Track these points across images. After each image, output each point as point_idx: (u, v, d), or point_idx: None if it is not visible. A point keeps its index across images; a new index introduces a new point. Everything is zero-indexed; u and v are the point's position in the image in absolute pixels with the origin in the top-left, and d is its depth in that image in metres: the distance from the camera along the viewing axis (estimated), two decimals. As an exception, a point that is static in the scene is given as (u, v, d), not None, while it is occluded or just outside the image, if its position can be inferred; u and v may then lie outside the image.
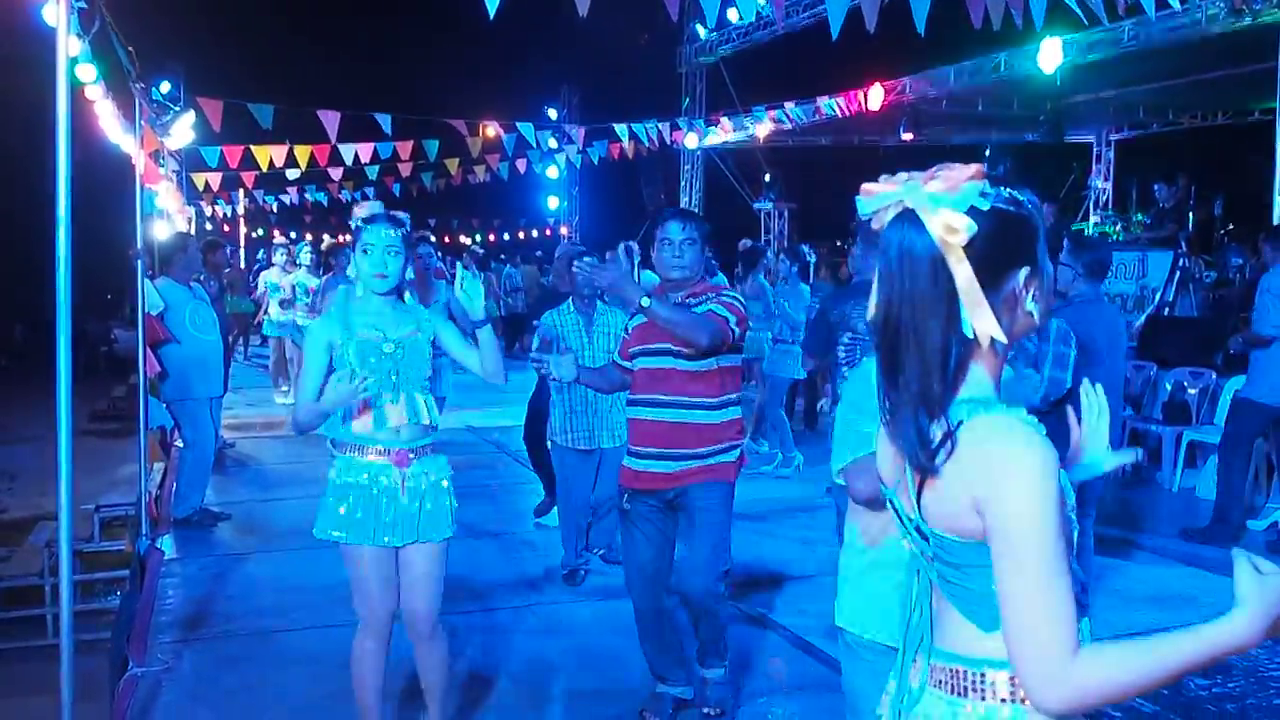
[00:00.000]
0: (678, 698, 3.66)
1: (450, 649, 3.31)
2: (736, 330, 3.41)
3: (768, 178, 15.86)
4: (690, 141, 15.30)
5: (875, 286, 1.39)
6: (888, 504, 1.51)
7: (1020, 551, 1.24)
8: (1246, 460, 6.05)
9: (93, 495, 6.44)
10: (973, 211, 1.30)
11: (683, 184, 16.85)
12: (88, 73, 4.36)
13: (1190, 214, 10.72)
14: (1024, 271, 1.34)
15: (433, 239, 6.71)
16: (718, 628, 3.62)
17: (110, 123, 5.32)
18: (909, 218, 1.33)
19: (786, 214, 15.67)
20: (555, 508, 6.33)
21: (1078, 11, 5.63)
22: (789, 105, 13.10)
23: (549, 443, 5.46)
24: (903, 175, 1.35)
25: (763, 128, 13.97)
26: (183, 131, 8.67)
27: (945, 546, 1.35)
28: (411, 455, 3.06)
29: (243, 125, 9.60)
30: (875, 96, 11.89)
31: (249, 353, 14.58)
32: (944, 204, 1.30)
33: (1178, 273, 9.35)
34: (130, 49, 4.92)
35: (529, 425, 6.36)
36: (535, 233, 26.50)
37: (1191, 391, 7.62)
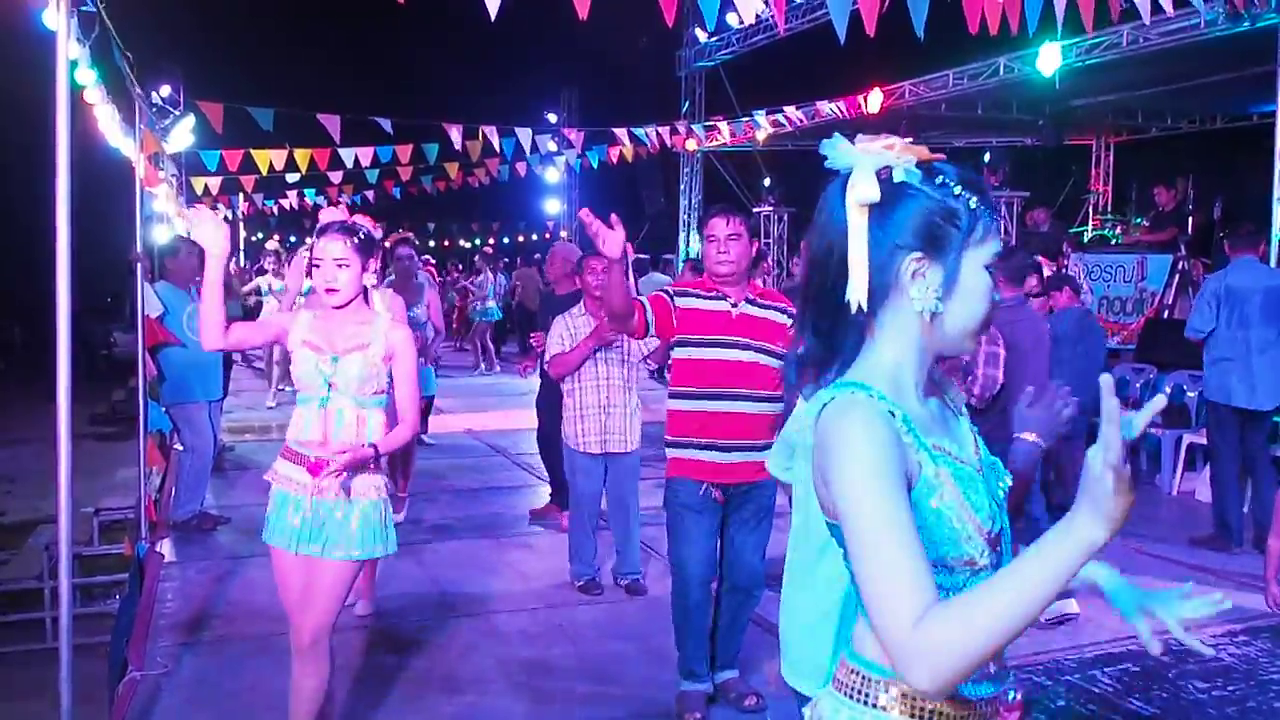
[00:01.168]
0: (707, 693, 3.71)
1: (329, 682, 3.12)
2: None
3: (767, 182, 15.86)
4: (690, 145, 15.31)
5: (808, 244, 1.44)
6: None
7: (850, 520, 1.21)
8: (1236, 462, 6.04)
9: (92, 499, 6.44)
10: (885, 180, 1.30)
11: (682, 188, 16.86)
12: (88, 76, 4.36)
13: (1189, 217, 10.73)
14: (913, 254, 1.32)
15: (414, 240, 6.69)
16: (743, 626, 3.73)
17: (110, 126, 5.33)
18: (841, 180, 1.35)
19: (786, 218, 15.67)
20: (558, 511, 6.34)
21: (1058, 19, 5.64)
22: (788, 109, 13.10)
23: (565, 446, 5.33)
24: (862, 138, 1.35)
25: (762, 132, 13.99)
26: (182, 135, 8.69)
27: (834, 531, 1.34)
28: (330, 466, 2.92)
29: (242, 129, 9.60)
30: (875, 100, 11.91)
31: (247, 355, 14.58)
32: (861, 165, 1.31)
33: (1177, 276, 9.37)
34: (129, 55, 4.93)
35: (540, 428, 6.41)
36: (535, 236, 26.52)
37: (1190, 395, 7.61)
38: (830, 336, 1.36)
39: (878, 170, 1.31)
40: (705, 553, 3.61)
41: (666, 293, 3.63)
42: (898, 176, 1.31)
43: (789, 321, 3.47)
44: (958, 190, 1.33)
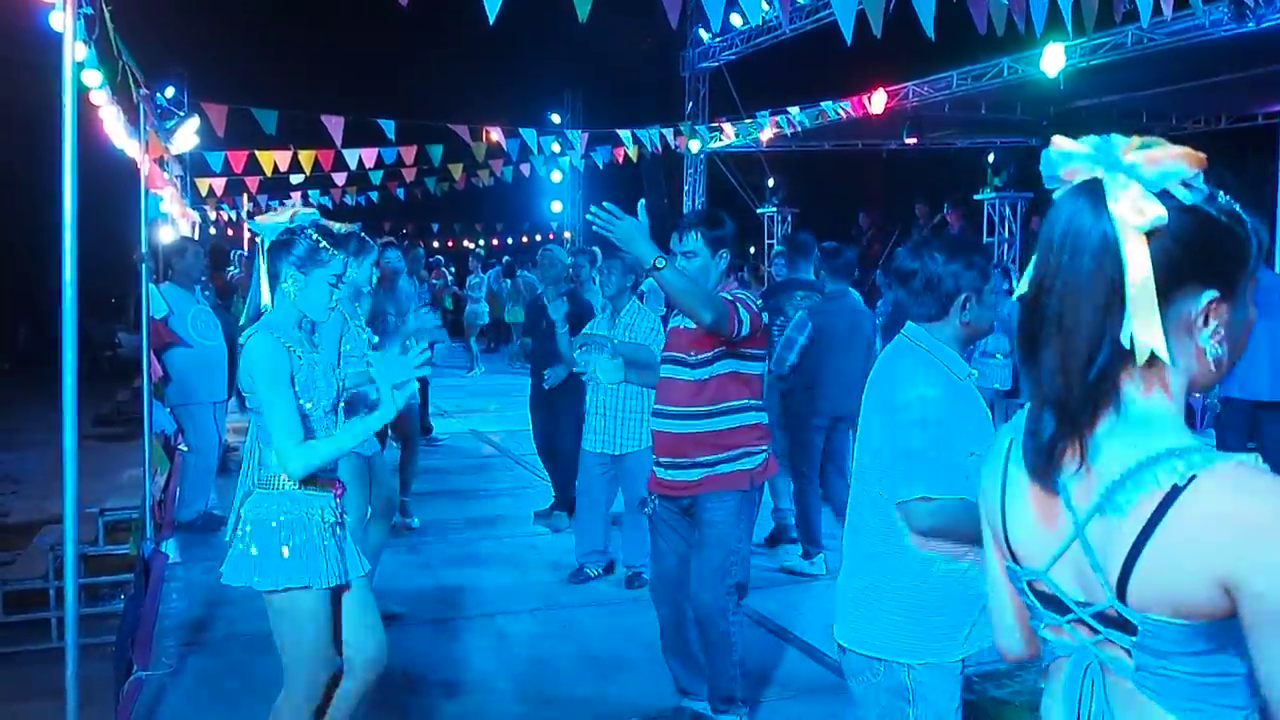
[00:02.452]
0: (700, 713, 3.58)
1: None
2: (744, 325, 3.22)
3: (771, 182, 15.85)
4: (693, 146, 15.31)
5: (1032, 262, 1.17)
6: (1017, 583, 1.25)
7: None
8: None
9: (97, 499, 6.44)
10: (1167, 199, 1.08)
11: (686, 189, 16.85)
12: (93, 78, 4.37)
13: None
14: (1210, 294, 1.10)
15: (394, 243, 6.66)
16: (728, 658, 3.41)
17: (115, 127, 5.34)
18: (1091, 188, 1.10)
19: (790, 218, 15.66)
20: (559, 512, 6.34)
21: (1066, 19, 5.63)
22: (792, 110, 13.10)
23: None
24: (1107, 138, 1.11)
25: (766, 132, 13.98)
26: (187, 137, 8.69)
27: (1156, 632, 1.09)
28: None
29: (247, 130, 9.61)
30: (878, 101, 11.90)
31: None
32: (1137, 178, 1.08)
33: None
34: (129, 61, 4.93)
35: (538, 432, 6.42)
36: (539, 237, 26.51)
37: (1195, 397, 7.61)
38: (1091, 390, 1.11)
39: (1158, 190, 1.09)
40: (662, 571, 3.57)
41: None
42: (1184, 197, 1.09)
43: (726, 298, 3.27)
44: (1240, 211, 1.12)
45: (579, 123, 17.48)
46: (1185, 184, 1.09)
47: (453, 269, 19.57)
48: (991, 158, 12.86)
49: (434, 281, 14.76)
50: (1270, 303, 6.04)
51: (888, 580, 2.27)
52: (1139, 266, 1.07)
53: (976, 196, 12.75)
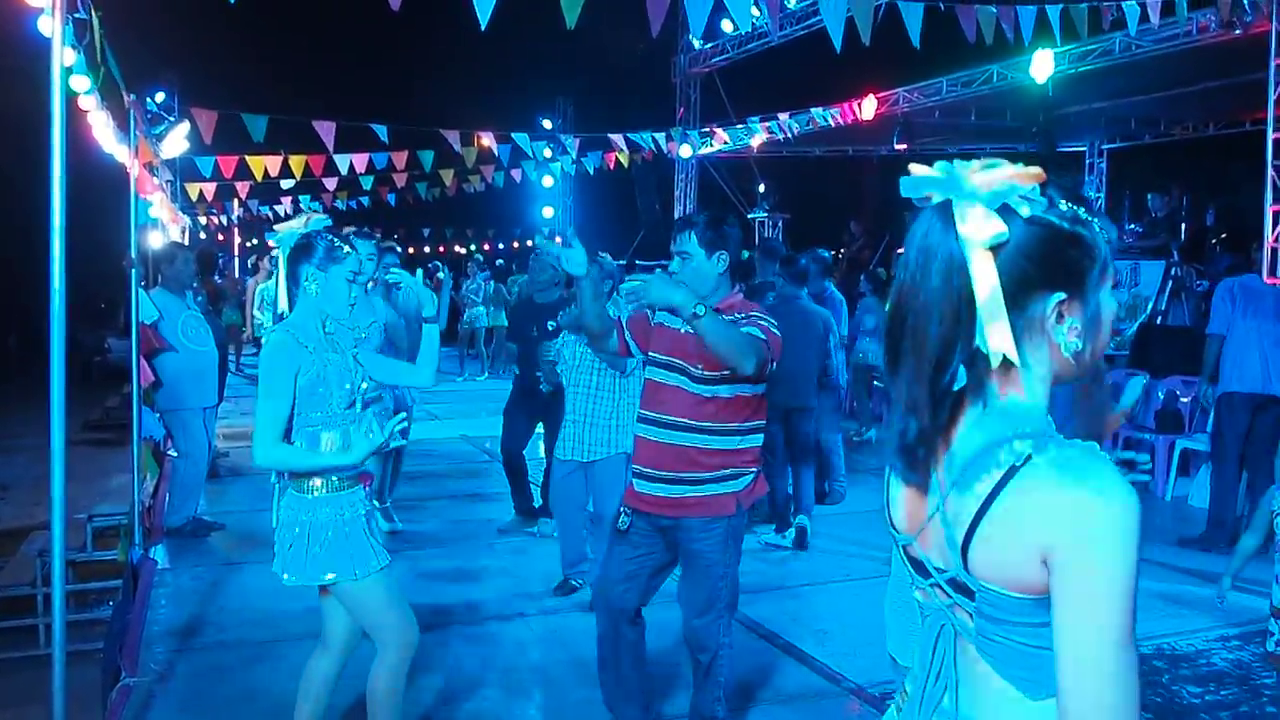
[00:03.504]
0: None
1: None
2: (774, 362, 3.13)
3: (762, 188, 15.88)
4: (684, 151, 15.34)
5: (894, 279, 1.28)
6: (897, 550, 1.37)
7: (1090, 637, 1.10)
8: (1238, 460, 6.16)
9: (85, 505, 6.42)
10: (1007, 214, 1.17)
11: (677, 194, 16.87)
12: (82, 83, 4.36)
13: (1182, 223, 10.76)
14: (1057, 296, 1.20)
15: (394, 248, 6.59)
16: (715, 680, 3.31)
17: (104, 133, 5.33)
18: (942, 209, 1.21)
19: (781, 224, 15.69)
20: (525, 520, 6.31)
21: (1056, 30, 5.68)
22: (783, 116, 13.13)
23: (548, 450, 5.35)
24: (951, 163, 1.21)
25: (757, 138, 14.01)
26: (176, 142, 8.68)
27: (992, 600, 1.19)
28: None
29: (238, 135, 9.61)
30: (869, 107, 11.94)
31: (240, 364, 14.56)
32: (978, 200, 1.17)
33: (1170, 282, 9.40)
34: (114, 64, 4.92)
35: (510, 436, 6.27)
36: (530, 242, 26.51)
37: (1184, 400, 7.64)
38: (942, 396, 1.20)
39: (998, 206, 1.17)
40: (607, 579, 3.37)
41: (651, 309, 3.33)
42: (1022, 210, 1.18)
43: (755, 334, 3.12)
44: (1084, 215, 1.21)
45: (570, 128, 17.49)
46: (1023, 198, 1.17)
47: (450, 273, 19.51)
48: (982, 163, 12.91)
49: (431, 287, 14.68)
50: (1260, 306, 6.13)
51: None
52: (986, 279, 1.16)
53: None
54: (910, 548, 1.32)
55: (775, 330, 3.17)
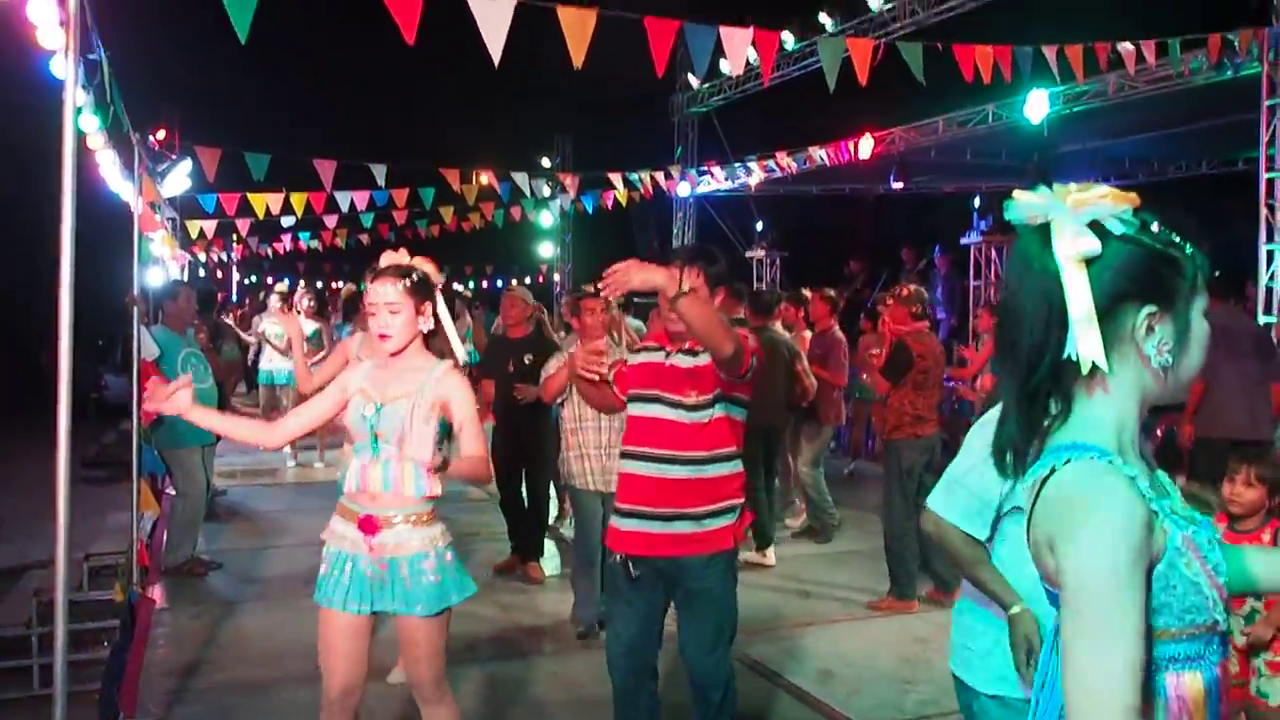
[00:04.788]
0: None
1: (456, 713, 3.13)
2: (754, 360, 3.14)
3: (760, 226, 15.98)
4: (683, 190, 15.44)
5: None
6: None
7: (1080, 617, 1.17)
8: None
9: (82, 543, 6.37)
10: (1100, 232, 1.25)
11: (675, 232, 16.97)
12: (91, 123, 4.40)
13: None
14: (1147, 309, 1.27)
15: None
16: (728, 715, 3.30)
17: (110, 171, 5.36)
18: (1041, 229, 1.29)
19: (779, 261, 15.76)
20: (521, 563, 6.25)
21: (1052, 66, 5.76)
22: (780, 155, 13.24)
23: (568, 485, 5.27)
24: (1054, 189, 1.30)
25: (754, 176, 14.12)
26: (179, 180, 8.73)
27: (1053, 599, 1.28)
28: (382, 522, 2.89)
29: (238, 172, 9.65)
30: (865, 146, 12.04)
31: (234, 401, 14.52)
32: (1074, 218, 1.26)
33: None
34: (119, 104, 4.96)
35: (502, 473, 6.15)
36: (528, 279, 26.61)
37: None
38: (1037, 400, 1.30)
39: (1089, 222, 1.26)
40: (621, 637, 3.30)
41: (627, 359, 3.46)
42: (1115, 228, 1.26)
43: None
44: (1176, 237, 1.29)
45: (569, 166, 17.62)
46: (1117, 218, 1.26)
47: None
48: (977, 201, 13.02)
49: None
50: (1237, 346, 6.09)
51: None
52: (1078, 289, 1.25)
53: (963, 240, 12.88)
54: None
55: (751, 341, 3.19)
